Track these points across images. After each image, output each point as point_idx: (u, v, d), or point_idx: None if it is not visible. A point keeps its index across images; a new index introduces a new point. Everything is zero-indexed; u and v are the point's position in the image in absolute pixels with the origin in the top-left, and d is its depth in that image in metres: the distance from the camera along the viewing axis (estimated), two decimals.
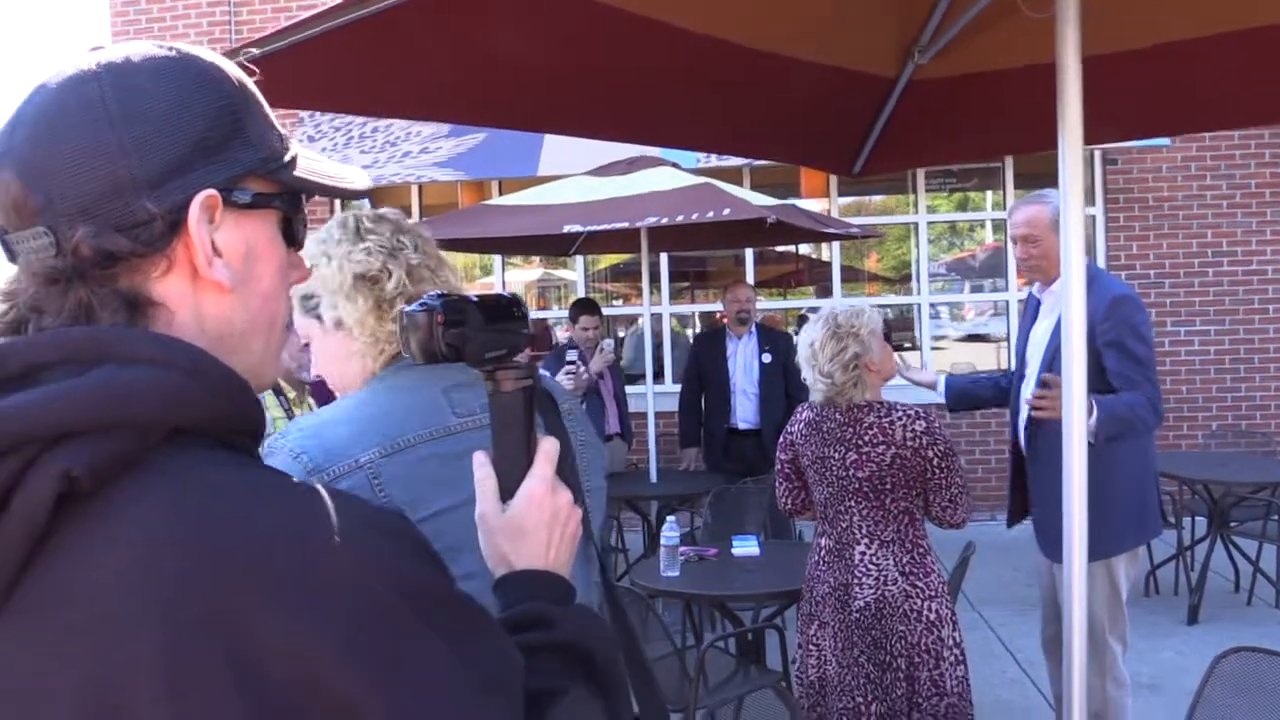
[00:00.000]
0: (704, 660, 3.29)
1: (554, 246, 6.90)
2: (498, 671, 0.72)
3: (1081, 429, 1.87)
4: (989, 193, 8.20)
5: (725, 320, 6.15)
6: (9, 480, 0.63)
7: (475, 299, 0.97)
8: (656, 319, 8.01)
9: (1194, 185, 7.59)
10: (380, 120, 7.63)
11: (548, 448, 0.97)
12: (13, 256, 0.74)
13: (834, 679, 2.78)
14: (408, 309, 0.95)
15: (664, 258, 8.06)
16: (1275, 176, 7.55)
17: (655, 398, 6.12)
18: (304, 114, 7.79)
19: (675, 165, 5.74)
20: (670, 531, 3.92)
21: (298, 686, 0.61)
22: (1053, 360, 3.31)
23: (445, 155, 7.26)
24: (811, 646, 2.88)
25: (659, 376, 7.85)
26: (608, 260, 8.75)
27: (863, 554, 2.78)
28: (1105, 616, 3.26)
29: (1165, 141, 7.22)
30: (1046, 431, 3.33)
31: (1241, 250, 7.60)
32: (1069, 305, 1.87)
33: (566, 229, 4.88)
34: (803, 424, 2.97)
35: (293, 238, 0.83)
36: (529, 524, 0.93)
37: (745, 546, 4.15)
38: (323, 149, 7.40)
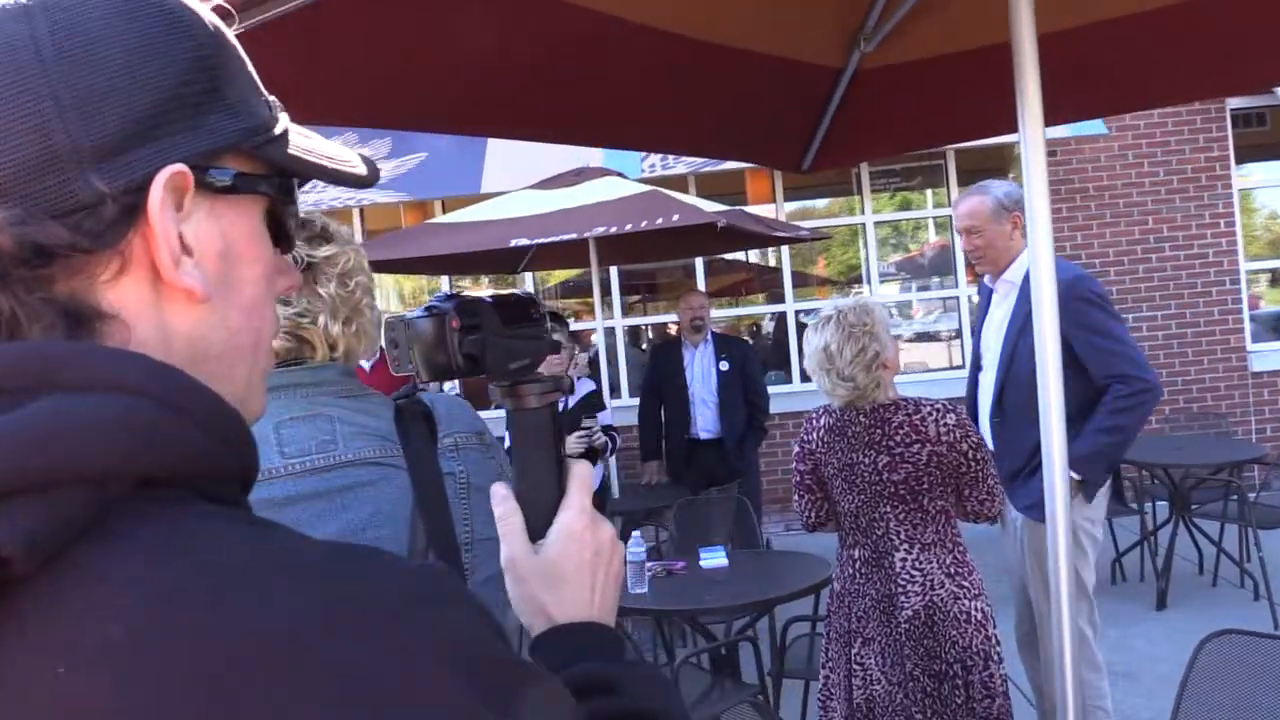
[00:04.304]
0: (678, 677, 3.20)
1: (501, 264, 6.79)
2: None
3: (1059, 402, 1.80)
4: (931, 191, 8.24)
5: (680, 330, 6.09)
6: None
7: (489, 299, 0.83)
8: (610, 333, 7.92)
9: (1132, 173, 7.68)
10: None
11: (581, 472, 0.83)
12: None
13: (883, 698, 2.60)
14: (405, 316, 0.81)
15: (614, 272, 7.98)
16: (1210, 160, 7.68)
17: (614, 413, 6.03)
18: None
19: (621, 175, 5.67)
20: (636, 547, 3.83)
21: None
22: (1013, 349, 3.28)
23: (386, 176, 7.11)
24: (856, 666, 2.68)
25: (615, 391, 7.75)
26: (558, 276, 8.66)
27: (903, 560, 2.62)
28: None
29: (1103, 129, 7.29)
30: (1011, 413, 3.31)
31: (1182, 235, 7.71)
32: (1039, 287, 1.81)
33: (514, 243, 4.79)
34: (823, 430, 2.77)
35: (283, 235, 0.66)
36: (569, 566, 0.78)
37: (713, 558, 4.06)
38: None
